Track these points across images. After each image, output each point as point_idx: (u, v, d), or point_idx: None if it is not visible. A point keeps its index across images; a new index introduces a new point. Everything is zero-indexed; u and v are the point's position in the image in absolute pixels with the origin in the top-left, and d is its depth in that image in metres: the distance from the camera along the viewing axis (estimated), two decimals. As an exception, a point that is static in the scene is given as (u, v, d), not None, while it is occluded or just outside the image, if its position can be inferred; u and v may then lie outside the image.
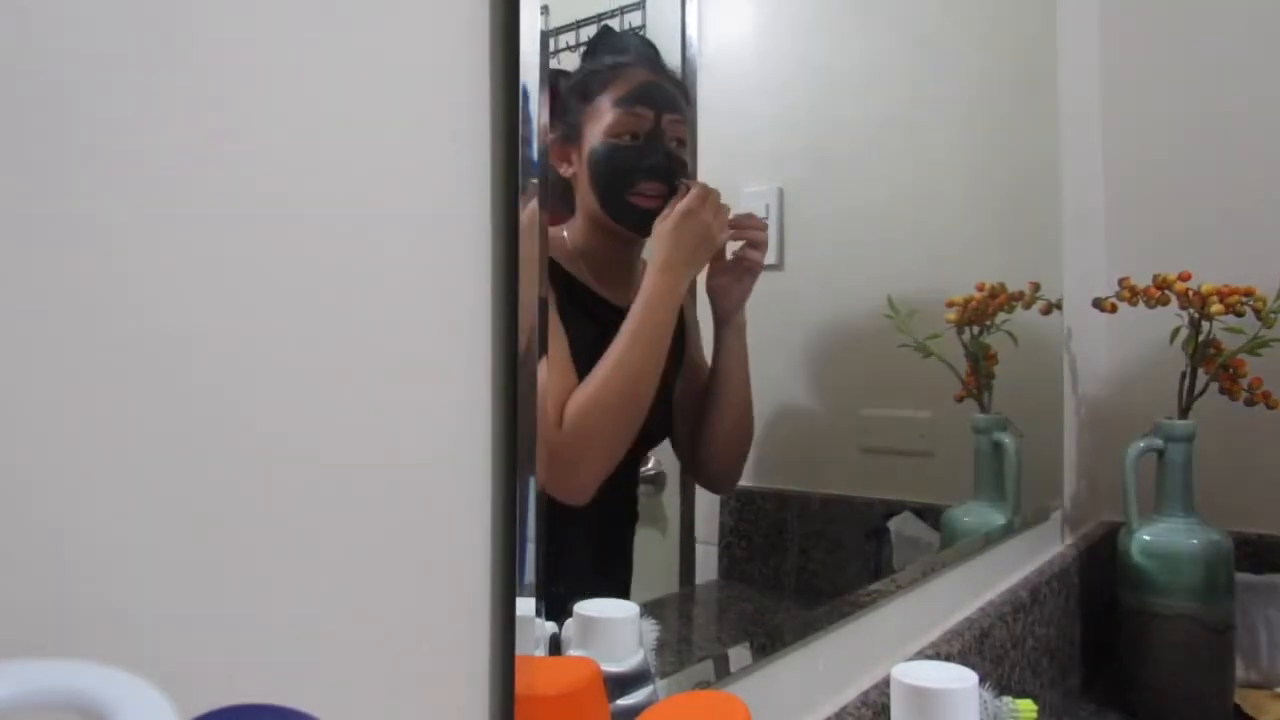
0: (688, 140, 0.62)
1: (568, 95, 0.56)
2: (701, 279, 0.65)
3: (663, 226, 0.58)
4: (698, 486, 0.68)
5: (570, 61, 0.55)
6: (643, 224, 0.59)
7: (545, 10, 0.48)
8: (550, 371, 0.47)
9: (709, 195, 0.60)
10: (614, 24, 0.61)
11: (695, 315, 0.65)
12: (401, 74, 0.41)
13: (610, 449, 0.56)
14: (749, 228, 0.66)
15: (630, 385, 0.56)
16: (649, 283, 0.57)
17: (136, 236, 0.32)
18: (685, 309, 0.63)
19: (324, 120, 0.38)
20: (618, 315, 0.57)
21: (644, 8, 0.62)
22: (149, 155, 0.32)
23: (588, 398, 0.52)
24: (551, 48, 0.51)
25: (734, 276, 0.65)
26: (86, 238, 0.31)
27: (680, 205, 0.58)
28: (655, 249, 0.59)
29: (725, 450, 0.66)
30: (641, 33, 0.63)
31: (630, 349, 0.55)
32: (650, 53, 0.60)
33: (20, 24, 0.29)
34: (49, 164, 0.30)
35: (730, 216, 0.65)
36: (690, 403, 0.64)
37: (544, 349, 0.47)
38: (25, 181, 0.29)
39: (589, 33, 0.59)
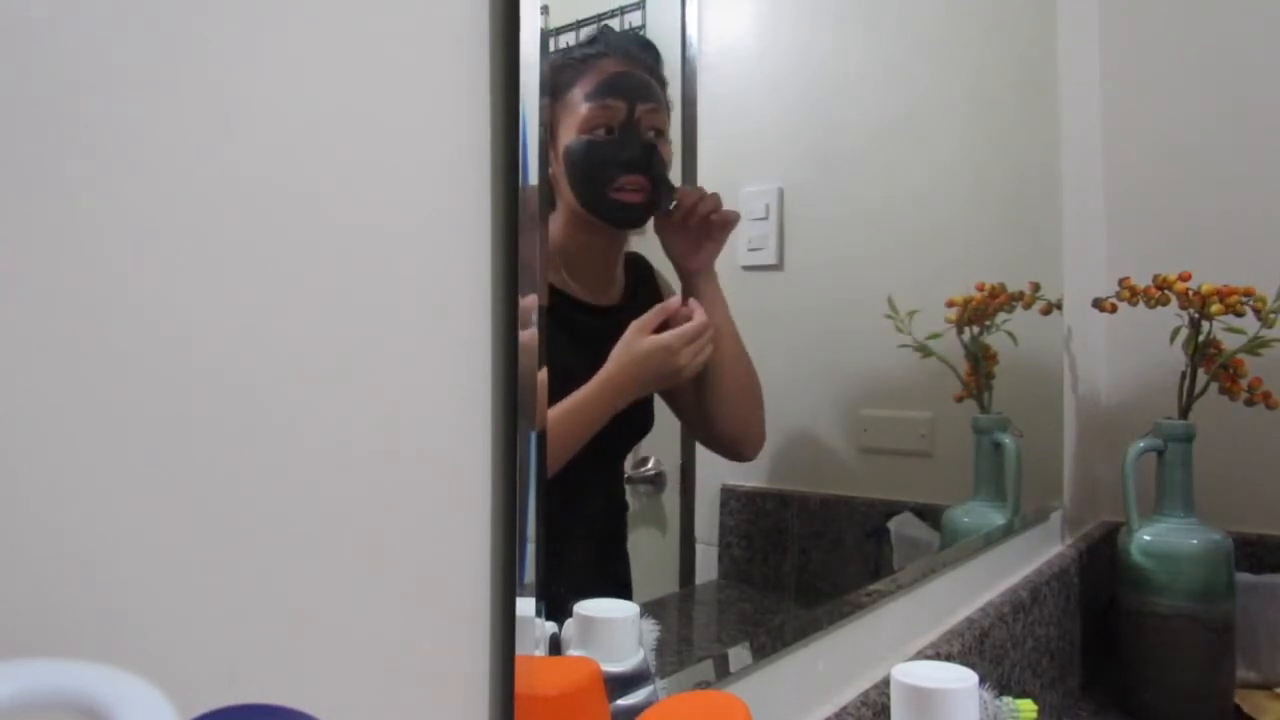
0: (667, 129, 0.59)
1: None
2: (658, 244, 0.60)
3: (635, 346, 0.53)
4: (697, 486, 0.68)
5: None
6: (626, 219, 0.57)
7: (545, 10, 0.48)
8: None
9: (697, 335, 0.55)
10: (614, 24, 0.61)
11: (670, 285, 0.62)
12: (402, 72, 0.41)
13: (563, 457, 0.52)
14: (699, 199, 0.60)
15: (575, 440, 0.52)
16: (588, 393, 0.52)
17: (137, 233, 0.32)
18: (659, 282, 0.60)
19: (324, 118, 0.38)
20: (595, 316, 0.55)
21: (644, 8, 0.62)
22: (149, 153, 0.32)
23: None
24: (551, 47, 0.51)
25: (702, 236, 0.60)
26: (86, 235, 0.31)
27: (664, 338, 0.54)
28: (613, 357, 0.53)
29: (735, 408, 0.62)
30: (641, 33, 0.63)
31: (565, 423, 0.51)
32: (622, 42, 0.57)
33: (19, 21, 0.29)
34: (48, 162, 0.30)
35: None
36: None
37: (545, 348, 0.47)
38: (25, 179, 0.29)
39: (589, 33, 0.59)
